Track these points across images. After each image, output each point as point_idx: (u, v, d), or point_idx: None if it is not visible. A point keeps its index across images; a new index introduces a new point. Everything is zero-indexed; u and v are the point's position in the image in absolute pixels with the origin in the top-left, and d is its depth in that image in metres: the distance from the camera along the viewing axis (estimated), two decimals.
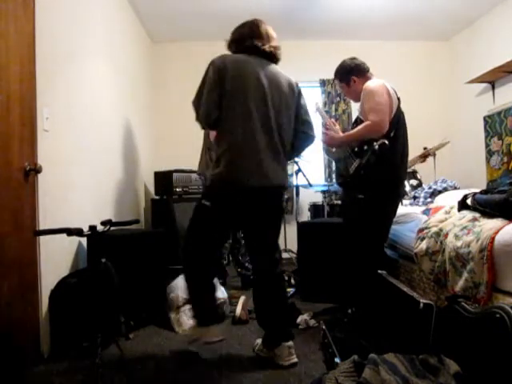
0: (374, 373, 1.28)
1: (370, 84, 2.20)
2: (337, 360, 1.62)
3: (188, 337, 2.08)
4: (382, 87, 2.15)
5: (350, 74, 2.37)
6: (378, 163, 2.06)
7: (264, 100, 1.86)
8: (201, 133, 3.02)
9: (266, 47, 1.93)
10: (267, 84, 1.88)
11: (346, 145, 2.26)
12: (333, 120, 2.59)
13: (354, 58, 2.41)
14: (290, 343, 1.90)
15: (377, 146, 2.03)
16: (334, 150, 2.45)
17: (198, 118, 1.88)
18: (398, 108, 2.20)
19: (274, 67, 1.97)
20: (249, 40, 1.92)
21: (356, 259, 2.22)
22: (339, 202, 4.02)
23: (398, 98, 2.23)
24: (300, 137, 2.04)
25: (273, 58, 1.98)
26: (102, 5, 2.98)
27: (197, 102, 1.87)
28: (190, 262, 1.96)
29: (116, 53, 3.31)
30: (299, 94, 2.05)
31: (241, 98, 1.83)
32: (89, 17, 2.71)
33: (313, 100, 2.91)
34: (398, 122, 2.18)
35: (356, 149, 2.18)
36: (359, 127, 2.15)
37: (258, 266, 2.03)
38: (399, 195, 2.38)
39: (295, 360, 1.88)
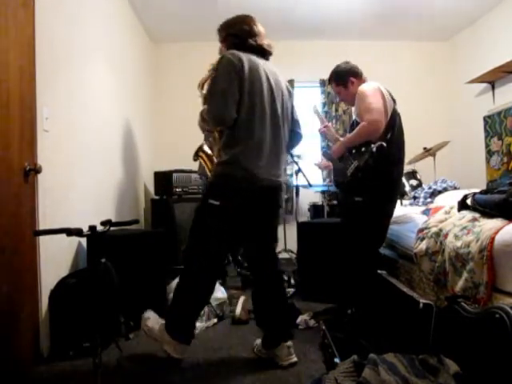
0: (373, 373, 1.28)
1: (363, 86, 2.23)
2: (336, 360, 1.62)
3: (149, 331, 1.92)
4: (374, 89, 2.17)
5: (348, 75, 2.39)
6: (375, 165, 2.07)
7: (273, 101, 1.90)
8: (201, 133, 3.01)
9: (267, 47, 1.96)
10: (274, 85, 1.91)
11: (348, 149, 2.27)
12: (328, 124, 2.58)
13: (348, 62, 2.44)
14: (290, 343, 1.90)
15: (375, 149, 2.04)
16: (329, 151, 2.47)
17: (213, 115, 1.80)
18: (394, 110, 2.21)
19: (273, 67, 1.99)
20: (251, 38, 1.92)
21: (354, 260, 2.23)
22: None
23: (394, 100, 2.24)
24: (292, 136, 2.09)
25: (269, 56, 2.00)
26: (101, 5, 2.98)
27: (212, 99, 1.80)
28: (198, 273, 1.88)
29: (116, 53, 3.31)
30: (292, 94, 2.10)
31: (258, 101, 1.83)
32: (89, 17, 2.71)
33: (311, 101, 2.91)
34: (394, 124, 2.18)
35: (353, 150, 2.19)
36: (356, 129, 2.18)
37: (260, 265, 2.01)
38: (396, 197, 2.39)
39: (294, 360, 1.88)
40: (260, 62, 1.90)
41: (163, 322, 1.92)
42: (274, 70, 1.97)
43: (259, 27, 1.97)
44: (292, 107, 2.08)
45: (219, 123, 1.86)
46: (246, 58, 1.84)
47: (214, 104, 1.79)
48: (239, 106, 1.79)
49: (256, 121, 1.82)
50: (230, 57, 1.80)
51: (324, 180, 4.80)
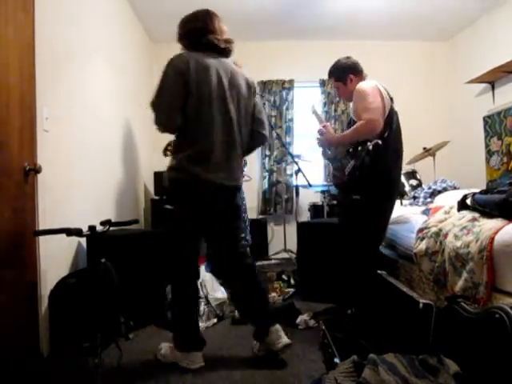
0: (373, 373, 1.28)
1: (361, 85, 2.21)
2: (336, 360, 1.62)
3: (164, 358, 1.95)
4: (374, 88, 2.16)
5: (348, 72, 2.36)
6: (372, 164, 2.06)
7: (225, 103, 1.84)
8: None
9: (222, 44, 1.88)
10: (227, 85, 1.85)
11: (343, 145, 2.26)
12: (327, 124, 2.57)
13: (349, 57, 2.41)
14: (277, 326, 1.91)
15: (371, 147, 2.04)
16: (329, 152, 2.47)
17: (159, 122, 1.82)
18: (391, 108, 2.20)
19: (231, 65, 1.92)
20: (205, 36, 1.85)
21: (353, 260, 2.23)
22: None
23: (391, 99, 2.23)
24: (254, 136, 2.02)
25: (228, 53, 1.93)
26: (101, 5, 2.98)
27: (157, 105, 1.80)
28: (172, 277, 1.94)
29: (116, 53, 3.31)
30: (254, 92, 2.01)
31: (206, 104, 1.79)
32: (88, 17, 2.71)
33: (310, 100, 2.90)
34: (391, 123, 2.18)
35: (350, 149, 2.19)
36: (354, 126, 2.16)
37: (228, 265, 2.01)
38: (395, 195, 2.38)
39: (286, 341, 1.88)
40: (213, 61, 1.83)
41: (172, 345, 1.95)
42: (231, 67, 1.90)
43: (216, 23, 1.89)
44: (254, 106, 1.99)
45: (165, 131, 1.89)
46: (194, 59, 1.79)
47: (159, 113, 1.81)
48: (185, 111, 1.78)
49: (203, 125, 1.80)
50: (176, 60, 1.78)
51: (325, 180, 4.81)
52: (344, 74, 2.37)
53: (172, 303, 1.97)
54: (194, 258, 1.96)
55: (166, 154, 3.39)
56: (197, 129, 1.81)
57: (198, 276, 2.01)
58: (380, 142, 2.04)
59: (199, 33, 1.86)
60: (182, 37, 1.93)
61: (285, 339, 1.89)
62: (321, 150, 2.57)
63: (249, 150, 2.08)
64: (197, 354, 1.90)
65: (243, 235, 2.11)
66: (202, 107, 1.79)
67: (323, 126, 2.58)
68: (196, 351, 1.90)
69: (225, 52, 1.91)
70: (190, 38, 1.90)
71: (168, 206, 1.86)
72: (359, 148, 2.11)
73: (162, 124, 1.83)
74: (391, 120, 2.18)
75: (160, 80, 1.80)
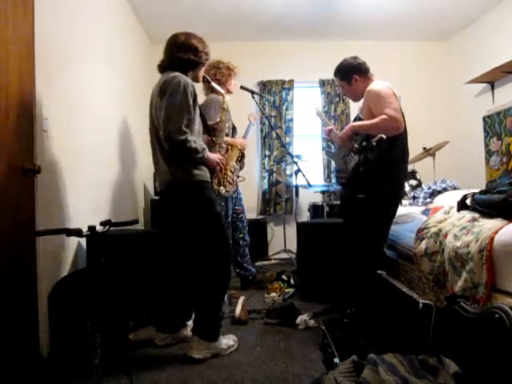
0: (373, 373, 1.28)
1: (376, 86, 2.19)
2: (336, 360, 1.63)
3: (203, 356, 1.96)
4: (388, 89, 2.16)
5: (353, 72, 2.34)
6: (377, 161, 2.05)
7: (151, 112, 2.08)
8: None
9: (161, 61, 2.14)
10: (152, 98, 2.07)
11: (360, 133, 2.23)
12: (332, 126, 2.55)
13: (356, 57, 2.39)
14: (196, 338, 1.99)
15: (374, 142, 2.02)
16: (333, 150, 2.45)
17: None
18: (400, 108, 2.20)
19: (165, 75, 2.02)
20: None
21: (356, 259, 2.21)
22: (338, 202, 4.03)
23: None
24: None
25: (173, 65, 2.07)
26: (101, 5, 2.98)
27: None
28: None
29: (115, 53, 3.30)
30: (164, 91, 1.93)
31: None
32: (88, 17, 2.71)
33: (313, 103, 2.91)
34: None
35: (356, 146, 2.17)
36: (376, 119, 2.10)
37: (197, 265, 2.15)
38: (400, 194, 2.37)
39: (194, 357, 1.94)
40: (159, 80, 2.06)
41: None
42: (164, 78, 2.00)
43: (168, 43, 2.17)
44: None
45: None
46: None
47: None
48: None
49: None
50: None
51: (325, 180, 4.81)
52: (349, 74, 2.36)
53: (213, 296, 2.06)
54: (182, 258, 2.26)
55: None
56: None
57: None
58: (384, 136, 2.02)
59: None
60: None
61: (194, 355, 1.95)
62: (326, 149, 2.56)
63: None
64: (229, 335, 2.13)
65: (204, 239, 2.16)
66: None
67: (328, 133, 2.55)
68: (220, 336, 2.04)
69: (167, 67, 2.10)
70: None
71: None
72: (363, 143, 2.09)
73: None
74: None
75: None
